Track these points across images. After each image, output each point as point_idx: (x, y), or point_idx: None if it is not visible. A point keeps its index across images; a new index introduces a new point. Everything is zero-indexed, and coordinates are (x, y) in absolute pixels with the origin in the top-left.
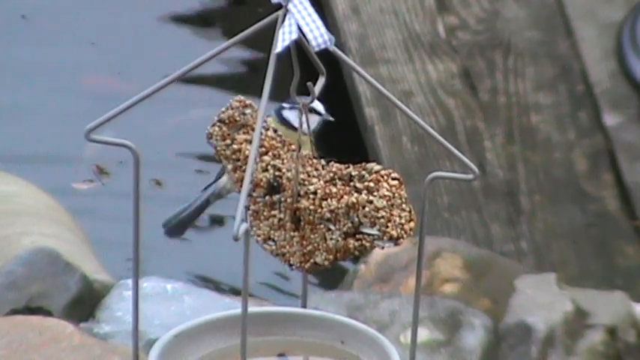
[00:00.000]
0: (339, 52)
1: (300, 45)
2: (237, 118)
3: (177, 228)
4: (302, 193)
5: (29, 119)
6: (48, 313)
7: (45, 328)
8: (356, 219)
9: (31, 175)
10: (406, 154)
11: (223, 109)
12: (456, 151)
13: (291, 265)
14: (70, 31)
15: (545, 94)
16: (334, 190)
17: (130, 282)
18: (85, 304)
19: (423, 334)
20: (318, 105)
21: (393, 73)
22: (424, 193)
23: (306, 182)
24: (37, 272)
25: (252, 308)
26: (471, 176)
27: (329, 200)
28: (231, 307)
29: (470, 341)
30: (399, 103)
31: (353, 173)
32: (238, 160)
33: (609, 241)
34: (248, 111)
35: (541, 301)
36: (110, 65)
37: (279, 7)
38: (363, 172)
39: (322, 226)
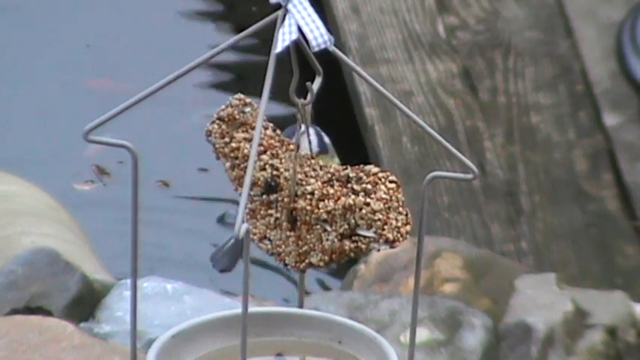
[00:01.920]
0: (339, 53)
1: (298, 45)
2: (237, 117)
3: (224, 261)
4: (299, 193)
5: (31, 121)
6: (48, 313)
7: (45, 328)
8: (352, 221)
9: (33, 176)
10: (406, 154)
11: (223, 106)
12: (455, 151)
13: (286, 265)
14: (67, 32)
15: (545, 94)
16: (331, 191)
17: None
18: (85, 304)
19: (423, 334)
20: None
21: (393, 73)
22: (423, 193)
23: (304, 182)
24: (37, 272)
25: (251, 308)
26: (470, 176)
27: (326, 201)
28: (231, 307)
29: (470, 341)
30: (398, 102)
31: (351, 175)
32: (237, 158)
33: (609, 241)
34: (248, 109)
35: (541, 301)
36: (113, 68)
37: (278, 7)
38: (361, 174)
39: (318, 226)
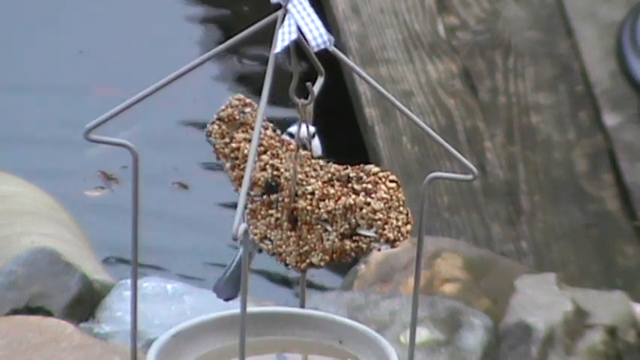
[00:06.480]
0: (339, 53)
1: (299, 45)
2: (237, 117)
3: (228, 290)
4: (300, 193)
5: (38, 128)
6: (48, 313)
7: (45, 328)
8: (353, 220)
9: (41, 182)
10: (406, 154)
11: (223, 107)
12: (455, 152)
13: (287, 265)
14: (62, 39)
15: (545, 94)
16: (332, 191)
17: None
18: (85, 304)
19: (423, 334)
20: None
21: (393, 73)
22: (423, 193)
23: (304, 182)
24: (37, 272)
25: (251, 308)
26: (470, 177)
27: (326, 201)
28: (231, 307)
29: (470, 341)
30: (398, 103)
31: (351, 174)
32: (237, 158)
33: (609, 241)
34: (248, 110)
35: (541, 301)
36: (111, 73)
37: (278, 7)
38: (361, 174)
39: (319, 226)
